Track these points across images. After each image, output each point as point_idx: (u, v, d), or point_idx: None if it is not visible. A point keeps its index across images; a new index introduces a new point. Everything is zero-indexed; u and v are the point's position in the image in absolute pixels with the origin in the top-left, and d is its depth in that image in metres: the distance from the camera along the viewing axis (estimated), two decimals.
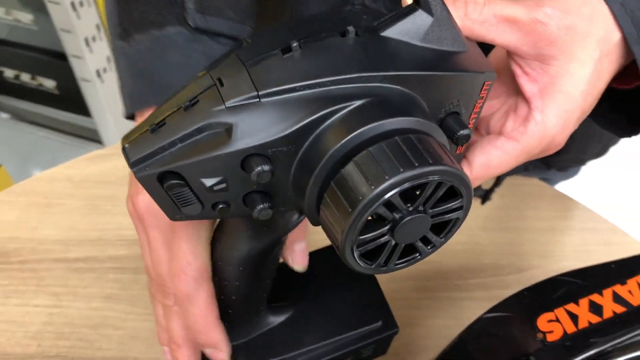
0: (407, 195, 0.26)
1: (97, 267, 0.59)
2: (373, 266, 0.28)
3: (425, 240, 0.29)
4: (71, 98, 1.29)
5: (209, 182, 0.27)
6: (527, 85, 0.32)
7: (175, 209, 0.28)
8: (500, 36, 0.31)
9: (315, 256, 0.43)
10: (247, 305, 0.39)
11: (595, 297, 0.40)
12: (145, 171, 0.26)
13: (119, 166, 0.66)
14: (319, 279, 0.43)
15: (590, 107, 0.33)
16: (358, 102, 0.26)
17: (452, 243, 0.60)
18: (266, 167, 0.26)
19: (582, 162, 0.75)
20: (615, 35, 0.32)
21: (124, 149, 0.27)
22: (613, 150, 0.74)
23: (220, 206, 0.28)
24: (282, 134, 0.26)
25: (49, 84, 1.35)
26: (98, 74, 1.20)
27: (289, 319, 0.41)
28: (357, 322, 0.41)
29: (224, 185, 0.27)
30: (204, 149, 0.26)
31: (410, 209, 0.26)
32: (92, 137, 1.38)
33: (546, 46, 0.31)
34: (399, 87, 0.27)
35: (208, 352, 0.38)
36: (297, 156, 0.27)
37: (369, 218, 0.26)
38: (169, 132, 0.26)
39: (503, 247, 0.61)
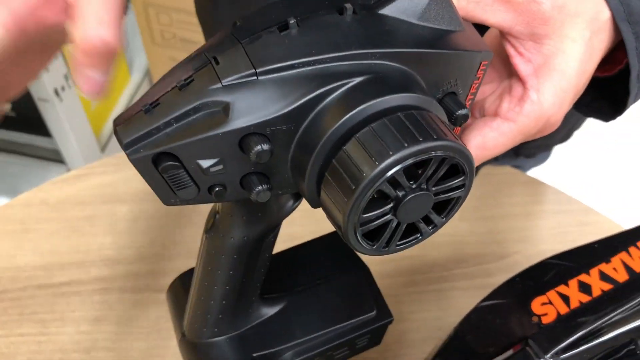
0: (410, 173, 0.26)
1: (83, 289, 0.58)
2: (375, 247, 0.28)
3: (427, 220, 0.28)
4: (29, 119, 1.26)
5: (205, 163, 0.26)
6: (521, 66, 0.32)
7: (170, 192, 0.27)
8: (495, 15, 0.31)
9: (307, 247, 0.43)
10: (241, 295, 0.37)
11: (583, 277, 0.41)
12: (139, 153, 0.25)
13: (95, 185, 0.65)
14: (312, 270, 0.42)
15: (584, 87, 0.34)
16: (357, 79, 0.26)
17: (434, 235, 0.62)
18: (265, 146, 0.26)
19: (548, 147, 0.77)
20: (604, 14, 0.32)
21: (116, 131, 0.26)
22: (576, 134, 0.77)
23: (217, 189, 0.28)
24: (282, 112, 0.26)
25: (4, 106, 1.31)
26: (56, 92, 1.18)
27: (282, 311, 0.40)
28: (351, 312, 0.41)
29: (220, 166, 0.27)
30: (200, 128, 0.25)
31: (414, 186, 0.26)
32: (54, 158, 1.35)
33: (540, 25, 0.31)
34: (397, 64, 0.27)
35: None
36: (297, 135, 0.26)
37: (372, 197, 0.25)
38: (163, 112, 0.26)
39: (483, 236, 0.63)
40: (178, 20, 1.38)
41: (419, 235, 0.29)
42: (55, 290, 0.58)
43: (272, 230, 0.35)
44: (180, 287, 0.42)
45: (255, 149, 0.25)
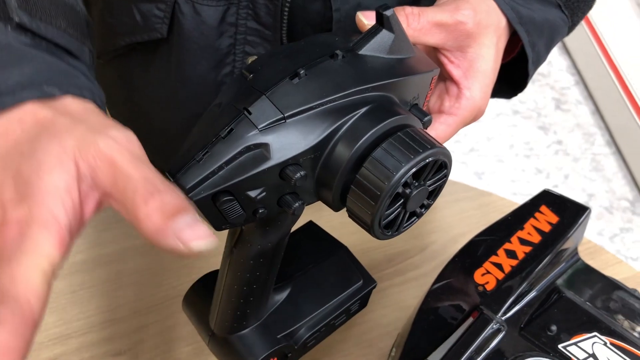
0: (413, 175, 0.33)
1: None
2: (390, 233, 0.35)
3: (421, 205, 0.36)
4: None
5: (253, 193, 0.32)
6: (454, 71, 0.41)
7: (222, 220, 0.32)
8: (433, 37, 0.40)
9: (291, 238, 0.48)
10: (264, 290, 0.43)
11: (507, 246, 0.49)
12: (200, 195, 0.31)
13: None
14: (301, 258, 0.48)
15: (495, 78, 0.43)
16: (361, 110, 0.33)
17: (362, 243, 0.68)
18: (302, 173, 0.32)
19: None
20: (503, 22, 0.43)
21: (176, 180, 0.31)
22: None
23: (260, 211, 0.33)
24: (310, 145, 0.32)
25: None
26: None
27: (289, 296, 0.46)
28: (344, 284, 0.47)
29: (265, 194, 0.32)
30: (248, 167, 0.31)
31: (417, 184, 0.33)
32: None
33: (465, 39, 0.40)
34: (383, 93, 0.34)
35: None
36: (321, 160, 0.33)
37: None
38: (214, 158, 0.31)
39: (402, 234, 0.69)
40: None
41: (415, 217, 0.36)
42: None
43: (287, 234, 0.41)
44: (197, 296, 0.48)
45: (295, 177, 0.31)
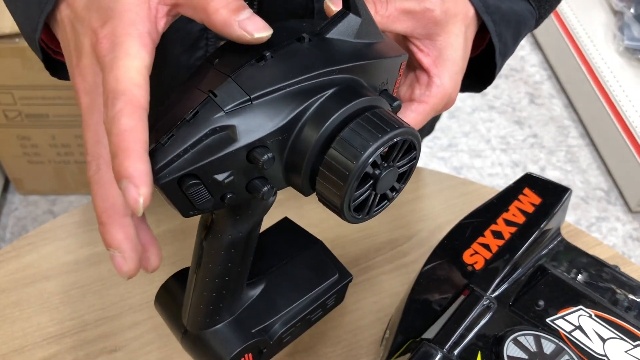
0: (381, 156, 0.33)
1: None
2: (361, 216, 0.35)
3: (392, 189, 0.36)
4: None
5: (220, 177, 0.31)
6: (424, 59, 0.42)
7: (190, 206, 0.32)
8: (402, 25, 0.40)
9: (264, 236, 0.48)
10: (237, 283, 0.42)
11: (493, 227, 0.51)
12: (167, 178, 0.30)
13: (13, 270, 0.64)
14: (276, 253, 0.48)
15: (465, 67, 0.44)
16: (328, 92, 0.33)
17: (349, 234, 0.69)
18: (270, 155, 0.31)
19: None
20: (471, 11, 0.43)
21: None
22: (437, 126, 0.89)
23: (229, 196, 0.32)
24: (277, 127, 0.31)
25: None
26: None
27: (263, 291, 0.45)
28: (318, 279, 0.47)
29: (232, 177, 0.32)
30: (214, 150, 0.30)
31: (385, 165, 0.33)
32: None
33: (433, 27, 0.41)
34: (350, 75, 0.34)
35: (123, 187, 0.29)
36: (289, 142, 0.32)
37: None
38: (179, 141, 0.30)
39: (390, 224, 0.71)
40: (22, 97, 1.33)
41: (386, 201, 0.36)
42: None
43: (259, 224, 0.40)
44: (169, 293, 0.47)
45: (263, 159, 0.31)
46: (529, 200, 0.53)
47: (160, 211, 0.69)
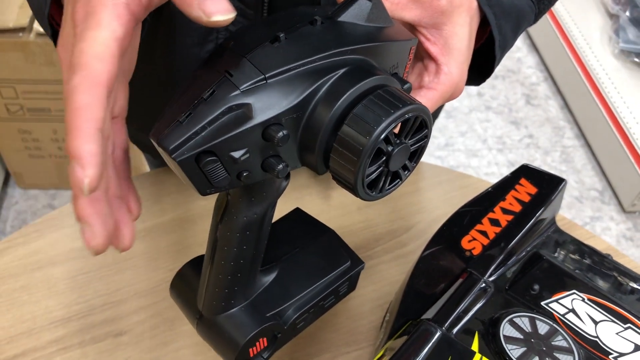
0: (394, 133, 0.34)
1: (39, 355, 0.58)
2: (374, 193, 0.36)
3: (404, 167, 0.37)
4: None
5: (237, 154, 0.32)
6: (431, 48, 0.43)
7: (207, 184, 0.33)
8: (410, 12, 0.42)
9: (278, 225, 0.50)
10: (252, 266, 0.43)
11: (490, 215, 0.52)
12: (184, 155, 0.31)
13: (21, 255, 0.65)
14: (290, 241, 0.49)
15: (470, 57, 0.45)
16: (340, 71, 0.34)
17: (351, 225, 0.71)
18: (285, 132, 0.32)
19: None
20: (474, 3, 0.45)
21: (158, 142, 0.31)
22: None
23: (245, 174, 0.33)
24: (292, 105, 0.32)
25: None
26: None
27: (277, 277, 0.47)
28: (331, 266, 0.48)
29: (248, 155, 0.32)
30: (231, 127, 0.31)
31: (398, 142, 0.34)
32: None
33: (439, 16, 0.42)
34: (362, 56, 0.35)
35: (71, 167, 0.29)
36: (303, 120, 0.33)
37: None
38: (197, 119, 0.31)
39: (389, 215, 0.73)
40: (24, 92, 1.35)
41: (398, 180, 0.37)
42: None
43: (273, 206, 0.42)
44: (184, 280, 0.48)
45: (278, 136, 0.32)
46: (525, 190, 0.54)
47: (165, 200, 0.71)
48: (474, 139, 1.92)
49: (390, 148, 0.34)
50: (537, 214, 0.52)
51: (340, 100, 0.33)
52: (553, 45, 2.13)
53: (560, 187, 0.55)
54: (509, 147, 1.91)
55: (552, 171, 1.85)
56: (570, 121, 2.01)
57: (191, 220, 0.69)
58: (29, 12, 1.28)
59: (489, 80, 2.06)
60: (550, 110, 2.05)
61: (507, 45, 0.50)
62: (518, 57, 2.23)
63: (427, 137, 0.37)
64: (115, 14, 0.30)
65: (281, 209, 0.54)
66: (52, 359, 0.58)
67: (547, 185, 0.55)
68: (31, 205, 1.59)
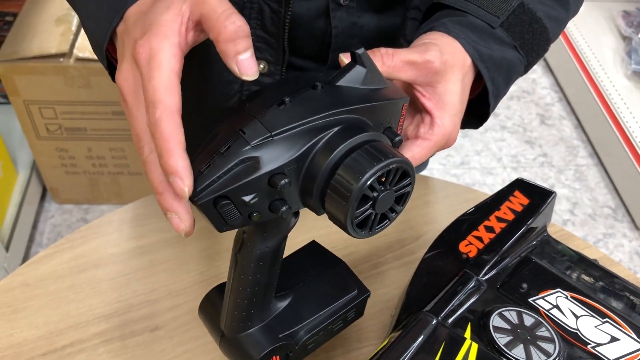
0: (379, 181, 0.39)
1: (86, 346, 0.65)
2: (364, 232, 0.41)
3: (391, 210, 0.42)
4: None
5: (247, 198, 0.38)
6: (427, 103, 0.50)
7: (223, 222, 0.39)
8: (405, 74, 0.48)
9: (294, 256, 0.57)
10: (266, 292, 0.49)
11: (486, 223, 0.59)
12: (204, 199, 0.37)
13: (67, 259, 0.73)
14: (304, 271, 0.55)
15: (464, 107, 0.51)
16: (335, 129, 0.40)
17: None
18: (287, 180, 0.38)
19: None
20: (468, 61, 0.51)
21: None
22: None
23: (254, 214, 0.39)
24: (293, 157, 0.38)
25: None
26: None
27: (290, 303, 0.52)
28: (339, 294, 0.54)
29: (257, 199, 0.38)
30: (242, 176, 0.37)
31: (382, 189, 0.39)
32: None
33: (433, 75, 0.48)
34: (355, 115, 0.41)
35: (171, 180, 0.37)
36: (303, 170, 0.39)
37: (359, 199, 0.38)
38: (214, 170, 0.37)
39: (400, 225, 0.79)
40: (62, 112, 1.44)
41: (387, 220, 0.43)
42: (60, 353, 0.65)
43: (284, 240, 0.48)
44: (210, 303, 0.54)
45: (281, 183, 0.38)
46: (519, 201, 0.61)
47: (197, 211, 0.78)
48: (489, 158, 1.97)
49: (375, 194, 0.39)
50: (528, 222, 0.58)
51: (334, 153, 0.39)
52: (567, 67, 2.19)
53: (550, 199, 0.61)
54: (523, 166, 1.96)
55: (566, 189, 1.90)
56: (584, 140, 2.06)
57: None
58: (69, 39, 1.39)
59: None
60: (565, 129, 2.10)
61: (500, 94, 0.56)
62: (533, 79, 2.28)
63: (410, 184, 0.42)
64: (172, 54, 0.38)
65: (301, 226, 0.59)
66: (97, 349, 0.65)
67: (539, 197, 0.61)
68: (66, 219, 1.69)
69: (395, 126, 0.46)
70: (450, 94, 0.49)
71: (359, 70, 0.43)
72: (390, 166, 0.39)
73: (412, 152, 0.50)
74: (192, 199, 0.37)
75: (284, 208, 0.40)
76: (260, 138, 0.38)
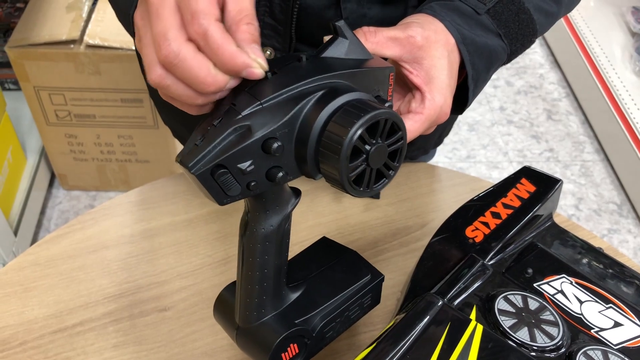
0: (370, 134, 0.40)
1: (95, 325, 0.67)
2: (362, 189, 0.42)
3: (387, 167, 0.43)
4: None
5: (243, 165, 0.39)
6: (415, 79, 0.51)
7: (222, 194, 0.40)
8: (390, 50, 0.50)
9: (307, 251, 0.58)
10: (275, 275, 0.49)
11: (493, 209, 0.59)
12: (201, 169, 0.38)
13: (78, 240, 0.74)
14: (316, 262, 0.56)
15: (455, 84, 0.52)
16: (321, 92, 0.41)
17: (370, 220, 0.78)
18: (279, 143, 0.40)
19: (426, 151, 0.97)
20: (452, 40, 0.52)
21: (181, 162, 0.39)
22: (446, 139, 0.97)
23: (252, 183, 0.40)
24: (283, 121, 0.40)
25: None
26: None
27: (304, 291, 0.53)
28: (352, 279, 0.54)
29: (253, 166, 0.40)
30: (235, 144, 0.39)
31: (374, 141, 0.40)
32: None
33: (417, 51, 0.50)
34: (341, 80, 0.42)
35: (245, 73, 0.41)
36: (295, 133, 0.41)
37: (351, 154, 0.39)
38: (209, 141, 0.39)
39: (406, 213, 0.80)
40: (72, 99, 1.45)
41: (385, 179, 0.44)
42: (70, 331, 0.66)
43: (288, 220, 0.48)
44: (223, 303, 0.55)
45: (274, 147, 0.40)
46: (525, 188, 0.61)
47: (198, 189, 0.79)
48: (495, 152, 1.98)
49: (367, 147, 0.40)
50: (535, 209, 0.59)
51: (322, 112, 0.40)
52: (575, 63, 2.18)
53: (557, 186, 0.61)
54: (529, 160, 1.96)
55: (571, 185, 1.90)
56: (591, 136, 2.06)
57: (228, 213, 0.78)
58: (80, 26, 1.39)
59: (511, 95, 2.12)
60: (571, 125, 2.10)
61: (479, 79, 0.57)
62: (540, 74, 2.28)
63: (402, 138, 0.43)
64: None
65: (309, 211, 0.60)
66: (106, 328, 0.67)
67: (545, 185, 0.62)
68: (73, 206, 1.70)
69: (384, 95, 0.47)
70: (436, 69, 0.51)
71: (341, 42, 0.45)
72: (379, 117, 0.40)
73: (406, 126, 0.51)
74: (190, 169, 0.39)
75: (280, 174, 0.41)
76: (250, 107, 0.40)
